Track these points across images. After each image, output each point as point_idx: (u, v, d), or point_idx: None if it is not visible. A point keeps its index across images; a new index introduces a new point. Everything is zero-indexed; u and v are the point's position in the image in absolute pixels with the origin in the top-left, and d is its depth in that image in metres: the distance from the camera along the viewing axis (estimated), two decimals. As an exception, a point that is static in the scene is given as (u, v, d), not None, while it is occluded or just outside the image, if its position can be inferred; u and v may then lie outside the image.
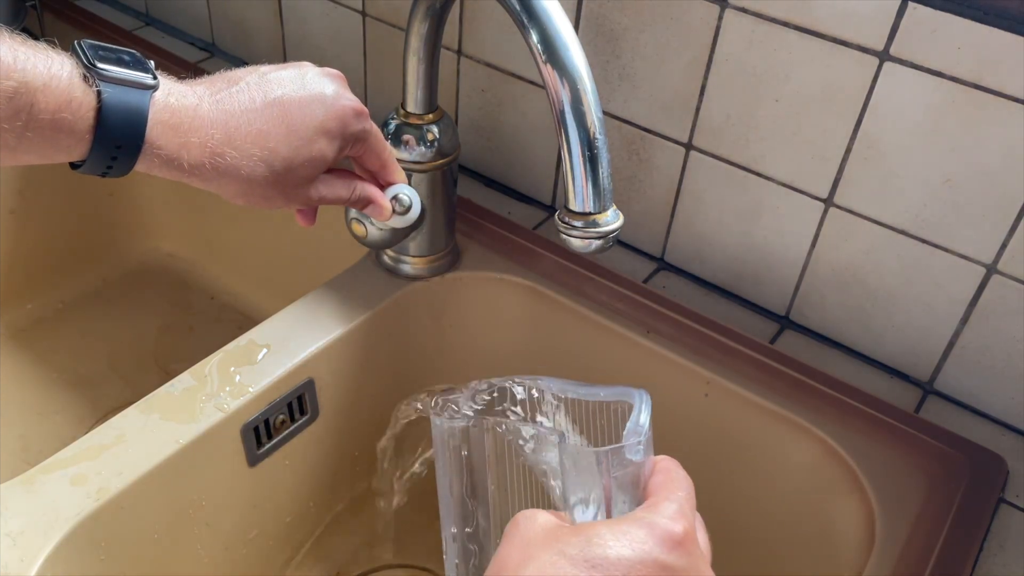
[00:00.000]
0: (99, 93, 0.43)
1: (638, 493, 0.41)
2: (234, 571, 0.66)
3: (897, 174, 0.62)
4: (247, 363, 0.62)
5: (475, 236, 0.76)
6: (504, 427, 0.44)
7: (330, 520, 0.74)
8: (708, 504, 0.71)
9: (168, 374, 0.62)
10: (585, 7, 0.70)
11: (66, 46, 0.44)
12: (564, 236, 0.50)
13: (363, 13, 0.86)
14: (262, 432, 0.63)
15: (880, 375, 0.69)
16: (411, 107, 0.65)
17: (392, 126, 0.66)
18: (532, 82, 0.77)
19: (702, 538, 0.40)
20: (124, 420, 0.57)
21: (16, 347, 0.92)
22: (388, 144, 0.58)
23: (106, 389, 0.89)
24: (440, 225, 0.70)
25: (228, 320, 0.97)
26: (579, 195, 0.49)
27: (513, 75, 0.78)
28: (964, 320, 0.64)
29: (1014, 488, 0.61)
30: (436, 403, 0.47)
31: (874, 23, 0.58)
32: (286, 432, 0.65)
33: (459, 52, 0.80)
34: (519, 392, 0.47)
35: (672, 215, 0.75)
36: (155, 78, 0.46)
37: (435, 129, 0.66)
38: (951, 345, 0.65)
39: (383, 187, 0.59)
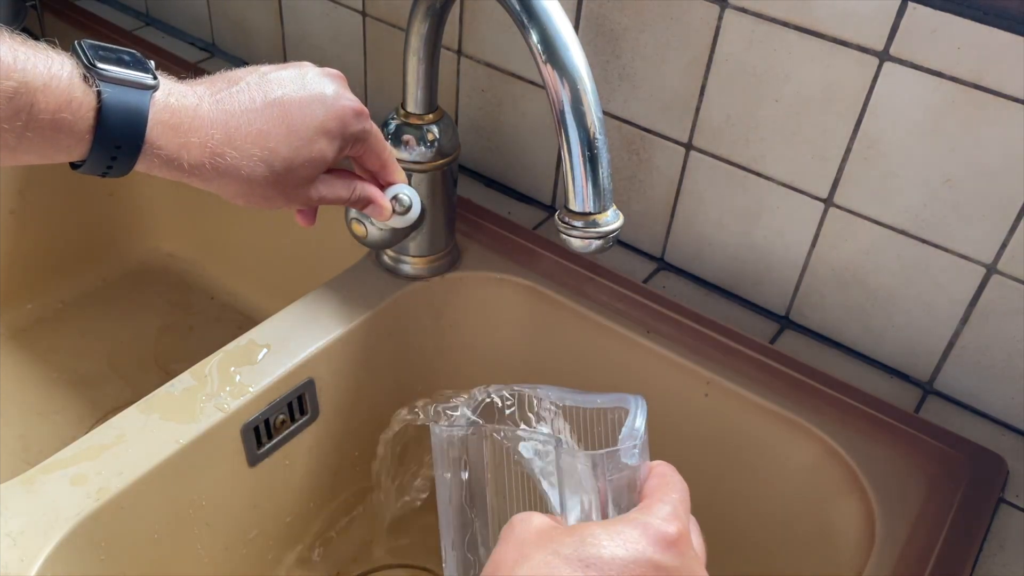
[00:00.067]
0: (99, 93, 0.43)
1: (633, 497, 0.41)
2: (234, 571, 0.66)
3: (897, 174, 0.62)
4: (247, 363, 0.62)
5: (475, 236, 0.76)
6: (502, 434, 0.44)
7: (330, 520, 0.74)
8: (708, 504, 0.71)
9: (168, 374, 0.62)
10: (585, 7, 0.70)
11: (66, 46, 0.44)
12: (564, 236, 0.50)
13: (363, 13, 0.86)
14: (262, 432, 0.63)
15: (880, 375, 0.69)
16: (411, 107, 0.65)
17: (392, 126, 0.66)
18: (532, 82, 0.77)
19: (696, 540, 0.40)
20: (124, 420, 0.57)
21: (16, 347, 0.92)
22: (388, 144, 0.58)
23: (106, 389, 0.89)
24: (440, 225, 0.70)
25: (228, 320, 0.97)
26: (579, 195, 0.49)
27: (513, 75, 0.78)
28: (964, 320, 0.64)
29: (1014, 488, 0.61)
30: (435, 411, 0.48)
31: (874, 23, 0.58)
32: (286, 432, 0.65)
33: (459, 52, 0.80)
34: (517, 400, 0.47)
35: (672, 215, 0.75)
36: (155, 78, 0.46)
37: (435, 129, 0.66)
38: (951, 345, 0.65)
39: (383, 187, 0.59)
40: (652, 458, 0.44)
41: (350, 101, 0.53)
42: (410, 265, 0.71)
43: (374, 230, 0.63)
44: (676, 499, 0.40)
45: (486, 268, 0.73)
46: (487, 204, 0.81)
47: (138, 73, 0.45)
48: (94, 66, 0.43)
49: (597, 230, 0.49)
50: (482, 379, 0.77)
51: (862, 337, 0.69)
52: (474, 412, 0.47)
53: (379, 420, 0.74)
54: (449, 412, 0.47)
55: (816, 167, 0.65)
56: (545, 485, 0.43)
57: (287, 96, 0.50)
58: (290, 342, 0.64)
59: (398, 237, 0.64)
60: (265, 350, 0.63)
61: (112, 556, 0.55)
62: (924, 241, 0.63)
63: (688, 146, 0.70)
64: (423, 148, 0.65)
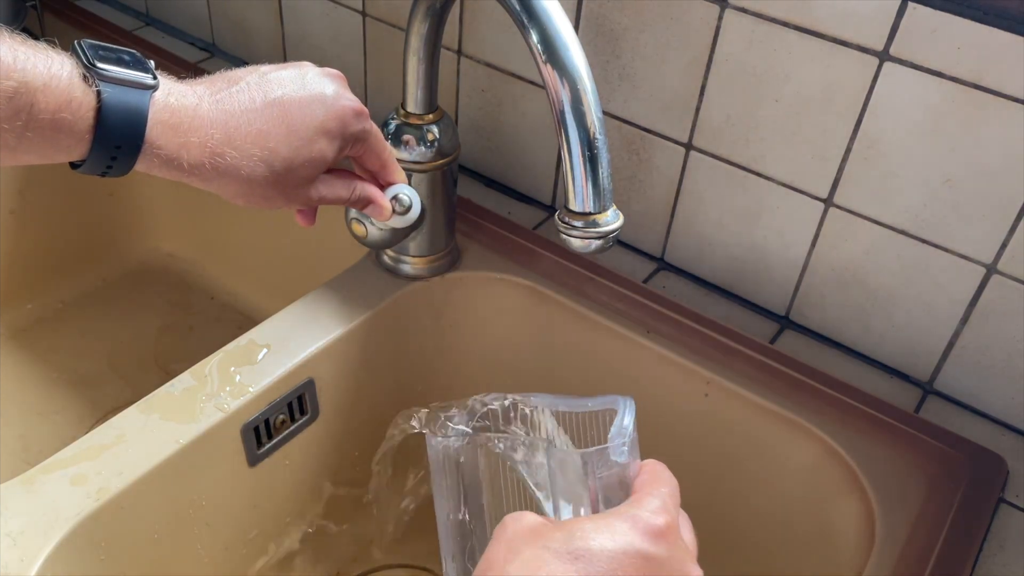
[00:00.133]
0: (99, 93, 0.43)
1: (624, 494, 0.41)
2: (234, 571, 0.66)
3: (897, 174, 0.62)
4: (247, 363, 0.62)
5: (475, 236, 0.76)
6: (496, 443, 0.45)
7: (330, 520, 0.74)
8: (708, 504, 0.71)
9: (168, 374, 0.62)
10: (585, 7, 0.70)
11: (66, 46, 0.44)
12: (564, 236, 0.50)
13: (363, 13, 0.86)
14: (262, 432, 0.63)
15: (880, 375, 0.69)
16: (411, 107, 0.65)
17: (392, 126, 0.66)
18: (532, 82, 0.77)
19: (688, 536, 0.41)
20: (124, 420, 0.57)
21: (16, 347, 0.92)
22: (388, 144, 0.58)
23: (106, 389, 0.89)
24: (440, 225, 0.70)
25: (228, 320, 0.97)
26: (579, 195, 0.49)
27: (513, 75, 0.78)
28: (964, 320, 0.64)
29: (1014, 488, 0.61)
30: (432, 422, 0.48)
31: (874, 23, 0.58)
32: (286, 432, 0.65)
33: (459, 52, 0.80)
34: (512, 409, 0.47)
35: (672, 215, 0.75)
36: (155, 78, 0.46)
37: (435, 129, 0.66)
38: (951, 345, 0.65)
39: (383, 187, 0.59)
40: (651, 457, 0.44)
41: (350, 101, 0.53)
42: (410, 265, 0.71)
43: (374, 230, 0.63)
44: (665, 493, 0.40)
45: (486, 268, 0.73)
46: (487, 204, 0.81)
47: (138, 73, 0.45)
48: (94, 66, 0.43)
49: (597, 230, 0.49)
50: (482, 379, 0.77)
51: (862, 337, 0.69)
52: (469, 422, 0.47)
53: (379, 420, 0.74)
54: (445, 423, 0.47)
55: (816, 167, 0.65)
56: (539, 492, 0.44)
57: (287, 96, 0.50)
58: (290, 342, 0.64)
59: (398, 237, 0.64)
60: (265, 350, 0.63)
61: (112, 556, 0.55)
62: (924, 241, 0.63)
63: (688, 146, 0.70)
64: (423, 148, 0.65)
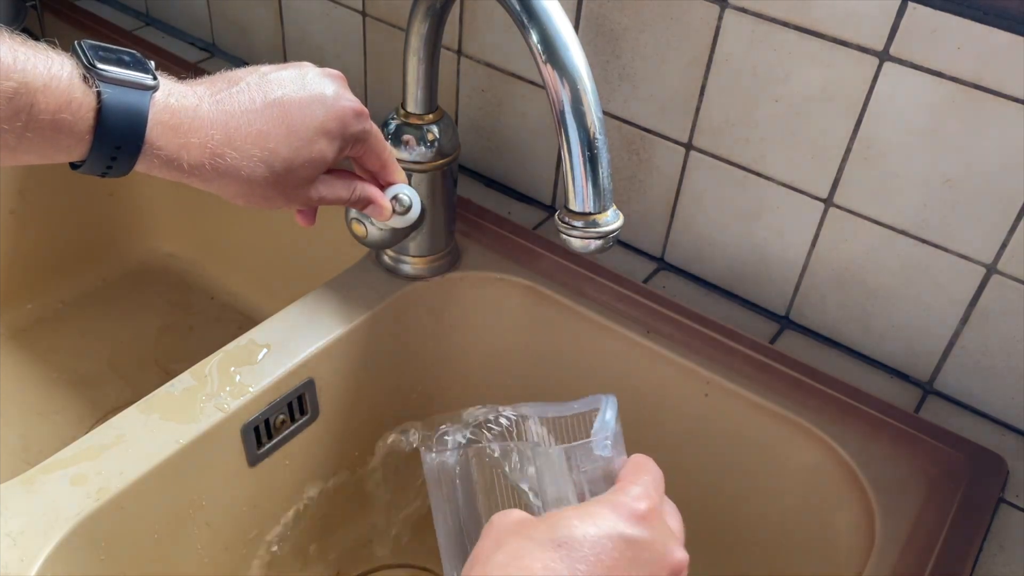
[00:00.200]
0: (99, 94, 0.43)
1: (609, 487, 0.42)
2: (234, 571, 0.66)
3: (897, 174, 0.62)
4: (247, 363, 0.62)
5: (475, 236, 0.76)
6: (489, 453, 0.46)
7: (330, 520, 0.74)
8: (708, 504, 0.71)
9: (168, 374, 0.62)
10: (585, 7, 0.70)
11: (66, 46, 0.44)
12: (564, 236, 0.50)
13: (363, 13, 0.86)
14: (262, 432, 0.63)
15: (880, 375, 0.69)
16: (411, 107, 0.65)
17: (392, 126, 0.66)
18: (532, 82, 0.77)
19: (675, 523, 0.41)
20: (124, 420, 0.57)
21: (16, 347, 0.92)
22: (388, 144, 0.58)
23: (106, 389, 0.89)
24: (440, 225, 0.70)
25: (228, 320, 0.97)
26: (579, 195, 0.49)
27: (513, 75, 0.78)
28: (964, 320, 0.64)
29: (1014, 488, 0.61)
30: (425, 439, 0.49)
31: (874, 23, 0.58)
32: (286, 432, 0.65)
33: (459, 52, 0.80)
34: (503, 420, 0.48)
35: (672, 215, 0.75)
36: (155, 79, 0.46)
37: (435, 129, 0.66)
38: (951, 345, 0.65)
39: (383, 187, 0.59)
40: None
41: (350, 102, 0.53)
42: (410, 265, 0.71)
43: (374, 230, 0.63)
44: (648, 480, 0.41)
45: (486, 268, 0.73)
46: (487, 204, 0.81)
47: (138, 74, 0.45)
48: (94, 66, 0.43)
49: (597, 230, 0.49)
50: (482, 378, 0.77)
51: (862, 337, 0.69)
52: (462, 436, 0.48)
53: (379, 420, 0.74)
54: (440, 438, 0.48)
55: (816, 167, 0.65)
56: (531, 496, 0.45)
57: (287, 96, 0.50)
58: (290, 342, 0.64)
59: (398, 237, 0.64)
60: (265, 350, 0.63)
61: (112, 556, 0.55)
62: (924, 241, 0.63)
63: (688, 146, 0.70)
64: (423, 148, 0.65)
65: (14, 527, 0.51)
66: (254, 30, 0.98)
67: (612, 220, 0.50)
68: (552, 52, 0.48)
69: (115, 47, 0.46)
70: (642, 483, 0.40)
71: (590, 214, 0.49)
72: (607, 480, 0.43)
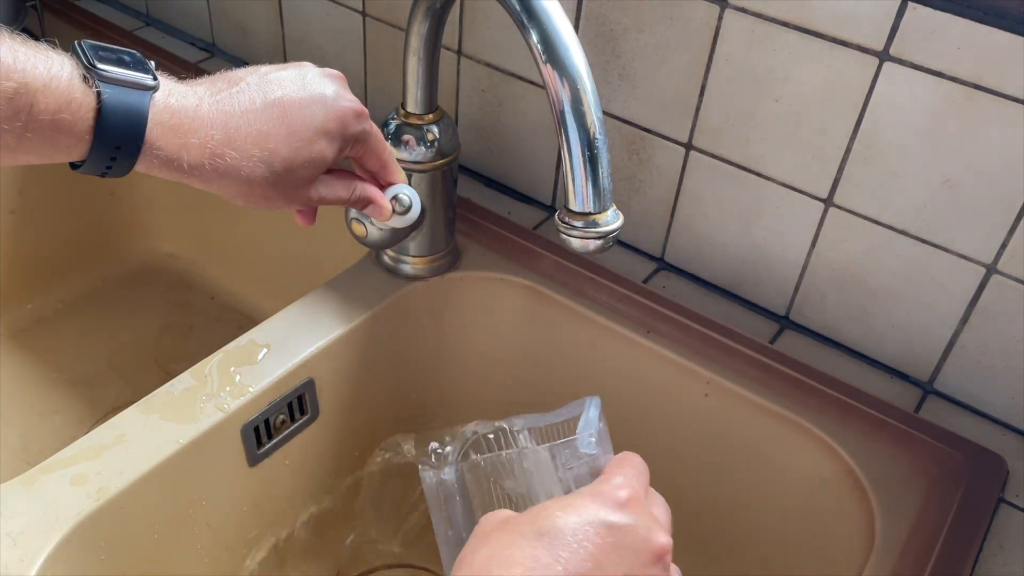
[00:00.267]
0: (99, 94, 0.43)
1: None
2: (234, 571, 0.66)
3: (897, 174, 0.62)
4: (247, 363, 0.62)
5: (475, 236, 0.76)
6: (483, 465, 0.47)
7: (330, 520, 0.74)
8: (708, 504, 0.71)
9: (168, 374, 0.62)
10: (585, 7, 0.70)
11: (66, 46, 0.44)
12: (564, 236, 0.50)
13: (363, 13, 0.86)
14: (262, 432, 0.63)
15: (880, 375, 0.69)
16: (411, 107, 0.65)
17: (392, 126, 0.66)
18: (532, 82, 0.77)
19: (660, 512, 0.42)
20: (124, 420, 0.57)
21: (16, 347, 0.92)
22: (388, 144, 0.58)
23: (106, 389, 0.89)
24: (440, 225, 0.70)
25: (228, 320, 0.97)
26: (579, 195, 0.49)
27: (513, 75, 0.78)
28: (964, 320, 0.64)
29: (1014, 488, 0.61)
30: (423, 454, 0.50)
31: (874, 23, 0.58)
32: (286, 432, 0.65)
33: (459, 52, 0.80)
34: (496, 433, 0.49)
35: (672, 215, 0.75)
36: (155, 79, 0.46)
37: (435, 129, 0.66)
38: (951, 345, 0.65)
39: (383, 187, 0.59)
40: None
41: (350, 102, 0.53)
42: (410, 265, 0.71)
43: (374, 230, 0.63)
44: (630, 471, 0.42)
45: (486, 268, 0.73)
46: (487, 204, 0.81)
47: (138, 74, 0.45)
48: (94, 67, 0.43)
49: (597, 230, 0.49)
50: (482, 379, 0.77)
51: (862, 337, 0.69)
52: (458, 452, 0.49)
53: (379, 420, 0.74)
54: (438, 454, 0.49)
55: (816, 167, 0.65)
56: (523, 501, 0.46)
57: (287, 97, 0.50)
58: (290, 342, 0.64)
59: (398, 237, 0.64)
60: (265, 350, 0.63)
61: (112, 556, 0.55)
62: (924, 241, 0.63)
63: (688, 146, 0.70)
64: (423, 148, 0.65)
65: (14, 527, 0.51)
66: (254, 30, 0.98)
67: (612, 220, 0.50)
68: (552, 52, 0.48)
69: (115, 47, 0.46)
70: (624, 474, 0.41)
71: (590, 214, 0.49)
72: (594, 477, 0.43)
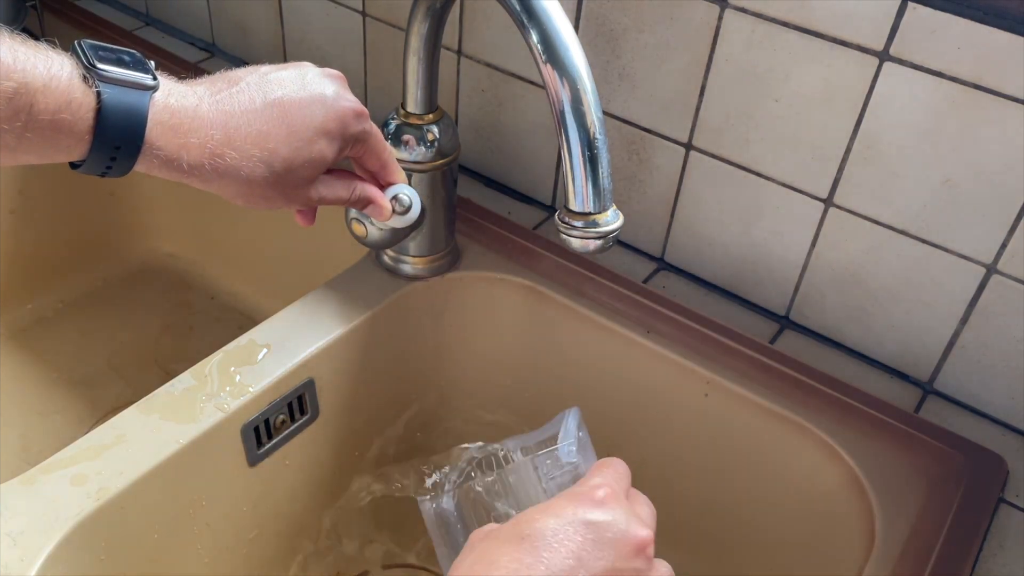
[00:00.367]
0: (99, 94, 0.43)
1: None
2: (234, 571, 0.66)
3: (897, 174, 0.62)
4: (247, 363, 0.62)
5: (475, 236, 0.76)
6: (478, 488, 0.48)
7: (330, 520, 0.74)
8: (708, 504, 0.71)
9: (168, 374, 0.62)
10: (585, 7, 0.70)
11: (66, 46, 0.44)
12: (564, 236, 0.50)
13: (363, 13, 0.86)
14: (262, 432, 0.63)
15: (880, 375, 0.69)
16: (411, 107, 0.65)
17: (392, 126, 0.66)
18: (532, 82, 0.77)
19: (643, 511, 0.43)
20: (124, 420, 0.57)
21: (16, 347, 0.92)
22: (388, 144, 0.58)
23: (106, 389, 0.89)
24: (440, 225, 0.70)
25: (228, 320, 0.97)
26: (579, 195, 0.49)
27: (513, 75, 0.78)
28: (964, 320, 0.64)
29: (1014, 488, 0.61)
30: (418, 485, 0.51)
31: (874, 23, 0.58)
32: (286, 432, 0.65)
33: (459, 52, 0.80)
34: (489, 457, 0.51)
35: (672, 215, 0.75)
36: (155, 79, 0.46)
37: (435, 129, 0.66)
38: (951, 345, 0.65)
39: (383, 187, 0.59)
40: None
41: (350, 102, 0.53)
42: (410, 265, 0.71)
43: (374, 230, 0.63)
44: (608, 472, 0.43)
45: (486, 268, 0.73)
46: (487, 204, 0.81)
47: (138, 74, 0.45)
48: (94, 66, 0.43)
49: (597, 230, 0.49)
50: (482, 379, 0.77)
51: (862, 337, 0.69)
52: (453, 479, 0.51)
53: (379, 420, 0.74)
54: (432, 484, 0.51)
55: (816, 167, 0.65)
56: (513, 513, 0.47)
57: (287, 97, 0.50)
58: (290, 342, 0.64)
59: (398, 237, 0.64)
60: (265, 350, 0.63)
61: (112, 556, 0.55)
62: (924, 241, 0.63)
63: (688, 146, 0.70)
64: (423, 148, 0.65)
65: (14, 527, 0.51)
66: (254, 30, 0.98)
67: (612, 220, 0.50)
68: (552, 52, 0.48)
69: (115, 47, 0.46)
70: (601, 475, 0.42)
71: (590, 214, 0.49)
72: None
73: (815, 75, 0.62)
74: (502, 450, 0.50)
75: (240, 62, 1.02)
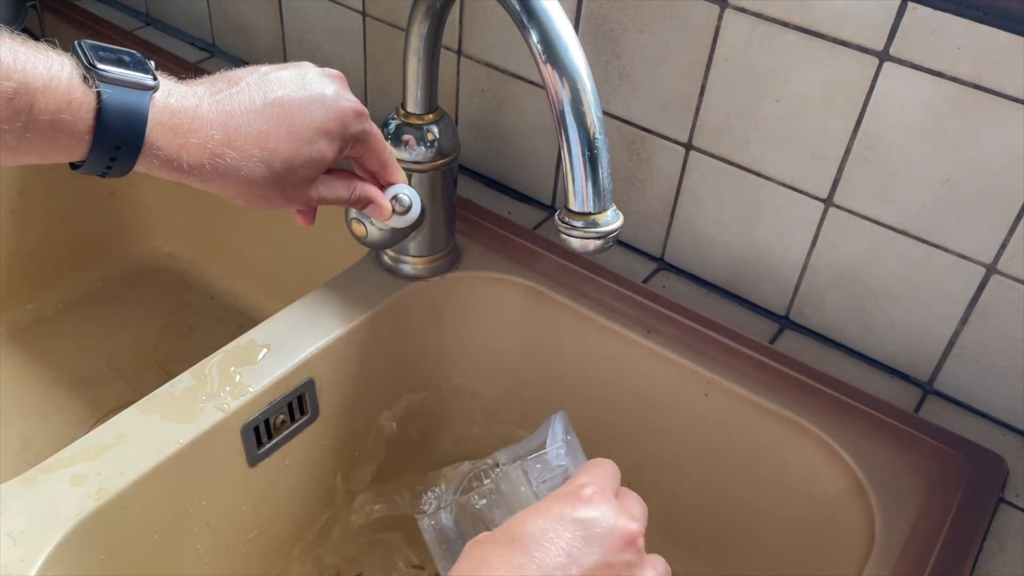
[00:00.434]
0: (99, 94, 0.43)
1: None
2: (234, 571, 0.66)
3: (897, 174, 0.62)
4: (247, 363, 0.62)
5: (475, 236, 0.76)
6: (475, 502, 0.49)
7: (330, 520, 0.74)
8: (708, 504, 0.71)
9: (168, 374, 0.62)
10: (585, 7, 0.70)
11: (66, 46, 0.44)
12: (564, 236, 0.50)
13: (363, 13, 0.86)
14: (262, 432, 0.63)
15: (880, 375, 0.69)
16: (411, 107, 0.65)
17: (392, 126, 0.66)
18: (532, 82, 0.77)
19: (634, 508, 0.43)
20: (124, 420, 0.57)
21: (16, 347, 0.92)
22: (388, 144, 0.58)
23: (106, 389, 0.89)
24: (440, 225, 0.70)
25: (228, 320, 0.97)
26: (579, 195, 0.49)
27: (513, 75, 0.78)
28: (964, 320, 0.64)
29: (1014, 488, 0.61)
30: (416, 502, 0.52)
31: (874, 23, 0.58)
32: (286, 432, 0.65)
33: (459, 52, 0.80)
34: (483, 470, 0.51)
35: (672, 215, 0.75)
36: (155, 79, 0.46)
37: (435, 129, 0.66)
38: (951, 345, 0.65)
39: (383, 187, 0.59)
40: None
41: (350, 102, 0.53)
42: (410, 265, 0.71)
43: (374, 230, 0.63)
44: (596, 472, 0.44)
45: (486, 268, 0.73)
46: (487, 204, 0.81)
47: (138, 74, 0.45)
48: (94, 67, 0.43)
49: (597, 230, 0.49)
50: (482, 379, 0.77)
51: (862, 337, 0.69)
52: (449, 495, 0.52)
53: (378, 420, 0.74)
54: (429, 501, 0.52)
55: (816, 167, 0.65)
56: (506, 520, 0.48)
57: (287, 97, 0.50)
58: (290, 342, 0.64)
59: (398, 237, 0.64)
60: (265, 350, 0.63)
61: (112, 556, 0.55)
62: (924, 241, 0.63)
63: (688, 146, 0.70)
64: (423, 148, 0.65)
65: (14, 527, 0.51)
66: (254, 30, 0.98)
67: (612, 220, 0.50)
68: (552, 52, 0.48)
69: (115, 47, 0.46)
70: (589, 475, 0.43)
71: (590, 214, 0.49)
72: None
73: (815, 75, 0.62)
74: (493, 462, 0.50)
75: (240, 62, 1.02)
